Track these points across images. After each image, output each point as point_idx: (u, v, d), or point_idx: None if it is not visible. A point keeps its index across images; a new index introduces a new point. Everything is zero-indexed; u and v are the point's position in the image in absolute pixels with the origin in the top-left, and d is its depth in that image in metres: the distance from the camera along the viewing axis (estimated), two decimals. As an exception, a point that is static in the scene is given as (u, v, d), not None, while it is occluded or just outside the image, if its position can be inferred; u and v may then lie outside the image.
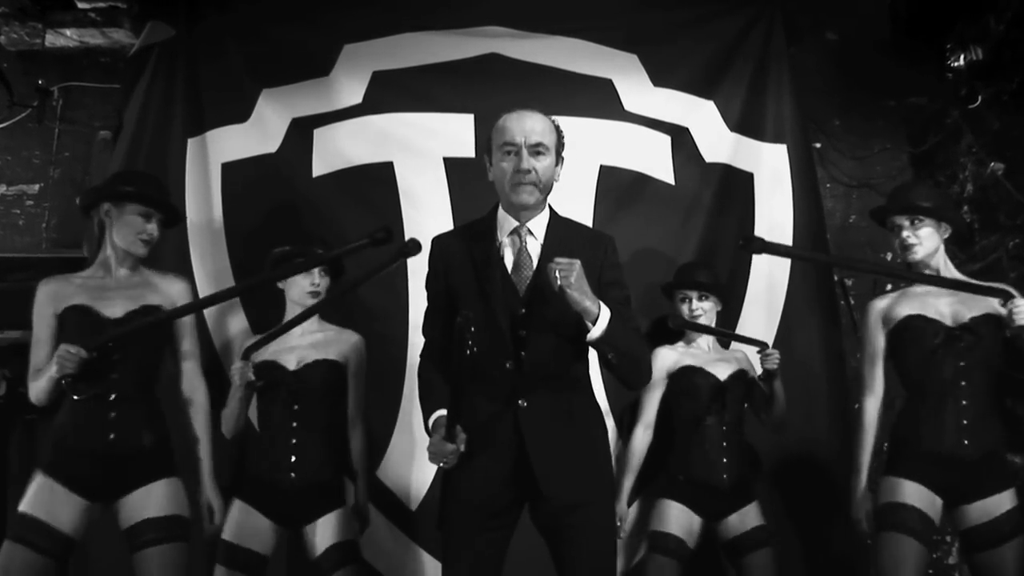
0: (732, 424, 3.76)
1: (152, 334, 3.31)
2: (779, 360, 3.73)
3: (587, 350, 2.82)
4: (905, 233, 3.42)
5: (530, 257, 2.80)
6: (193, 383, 3.49)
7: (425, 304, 2.96)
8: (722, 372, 3.83)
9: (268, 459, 3.48)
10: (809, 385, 4.21)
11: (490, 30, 4.45)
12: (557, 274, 2.56)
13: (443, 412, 2.68)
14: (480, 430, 2.67)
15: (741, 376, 3.85)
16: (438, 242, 2.95)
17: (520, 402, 2.68)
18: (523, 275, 2.78)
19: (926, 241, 3.40)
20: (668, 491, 3.75)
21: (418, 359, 2.95)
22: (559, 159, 2.88)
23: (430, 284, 2.93)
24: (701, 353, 3.91)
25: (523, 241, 2.81)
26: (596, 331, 2.61)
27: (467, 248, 2.86)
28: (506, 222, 2.84)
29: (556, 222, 2.89)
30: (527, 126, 2.78)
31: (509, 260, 2.81)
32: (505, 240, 2.83)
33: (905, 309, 3.42)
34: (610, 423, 3.89)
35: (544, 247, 2.80)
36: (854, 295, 4.51)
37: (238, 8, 4.40)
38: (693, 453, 3.73)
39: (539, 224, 2.84)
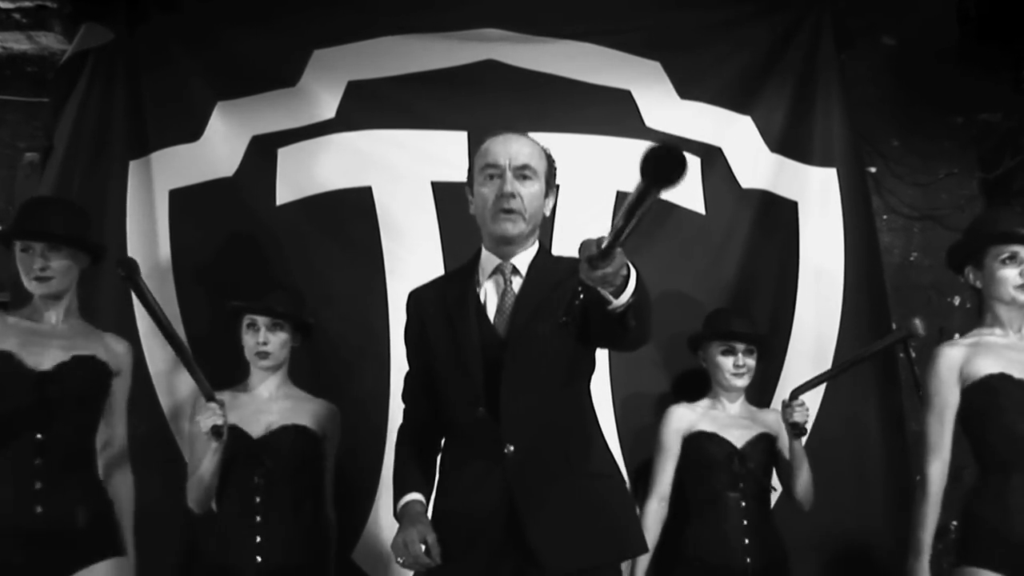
0: (754, 498, 3.68)
1: (89, 389, 3.25)
2: (807, 414, 3.63)
3: (587, 391, 2.86)
4: None
5: (515, 297, 2.79)
6: (122, 466, 3.40)
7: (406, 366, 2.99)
8: (740, 437, 3.74)
9: (229, 542, 3.41)
10: (863, 453, 4.14)
11: (486, 33, 4.35)
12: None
13: (415, 497, 2.75)
14: (465, 495, 2.71)
15: (762, 442, 3.76)
16: (414, 296, 2.98)
17: (507, 448, 2.65)
18: (505, 316, 2.77)
19: None
20: None
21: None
22: (550, 190, 2.88)
23: (408, 343, 2.97)
24: (722, 415, 3.83)
25: (507, 281, 2.81)
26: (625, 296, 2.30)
27: (442, 294, 2.89)
28: (488, 262, 2.84)
29: (543, 257, 2.88)
30: (512, 148, 2.79)
31: (492, 302, 2.80)
32: (486, 281, 2.83)
33: (986, 365, 3.26)
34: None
35: (524, 283, 2.80)
36: (915, 347, 4.30)
37: (188, 7, 4.30)
38: (709, 532, 3.66)
39: (525, 261, 2.83)
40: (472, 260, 2.90)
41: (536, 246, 2.87)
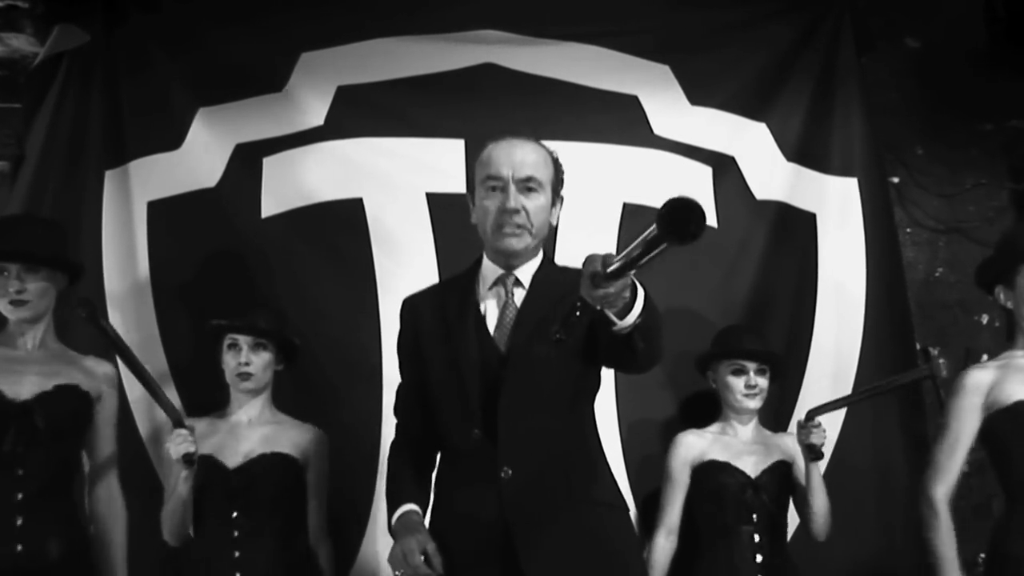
0: (769, 531, 3.63)
1: (71, 420, 3.23)
2: (824, 436, 3.57)
3: (591, 414, 2.84)
4: None
5: (516, 311, 2.75)
6: (111, 492, 3.38)
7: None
8: (754, 466, 3.69)
9: None
10: (886, 481, 4.11)
11: (483, 35, 4.31)
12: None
13: (412, 507, 2.72)
14: (459, 522, 2.68)
15: (778, 470, 3.71)
16: (408, 304, 2.95)
17: (503, 471, 2.61)
18: (506, 331, 2.74)
19: None
20: None
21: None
22: (556, 199, 2.85)
23: (401, 353, 2.95)
24: (735, 442, 3.77)
25: (509, 293, 2.77)
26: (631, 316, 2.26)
27: (440, 304, 2.85)
28: (490, 272, 2.81)
29: (547, 268, 2.85)
30: (516, 157, 2.73)
31: (493, 316, 2.77)
32: (487, 293, 2.80)
33: (1016, 390, 3.20)
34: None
35: (527, 296, 2.76)
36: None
37: (169, 8, 4.24)
38: (720, 568, 3.61)
39: (529, 272, 2.80)
40: (472, 268, 2.87)
41: (540, 257, 2.83)
